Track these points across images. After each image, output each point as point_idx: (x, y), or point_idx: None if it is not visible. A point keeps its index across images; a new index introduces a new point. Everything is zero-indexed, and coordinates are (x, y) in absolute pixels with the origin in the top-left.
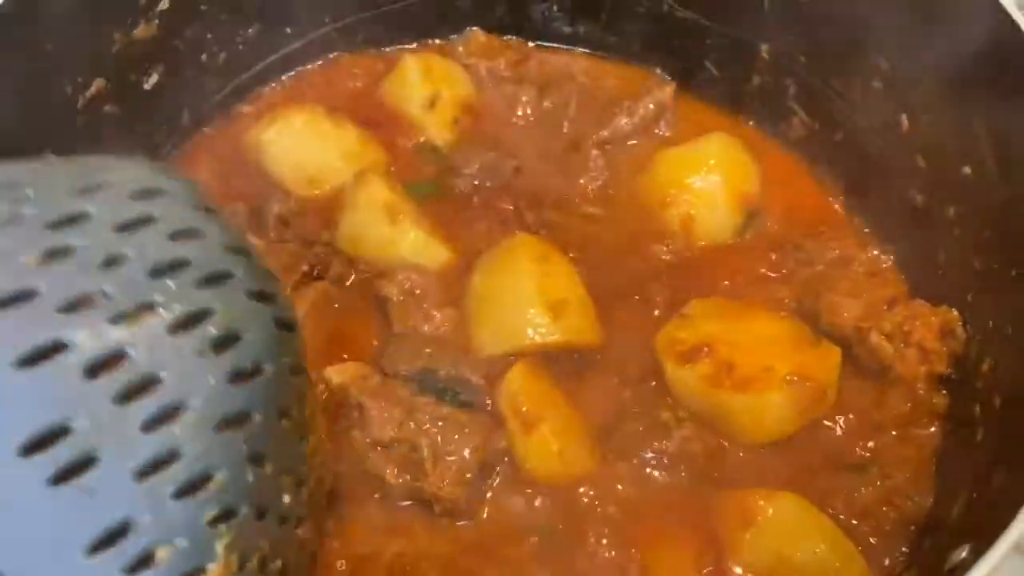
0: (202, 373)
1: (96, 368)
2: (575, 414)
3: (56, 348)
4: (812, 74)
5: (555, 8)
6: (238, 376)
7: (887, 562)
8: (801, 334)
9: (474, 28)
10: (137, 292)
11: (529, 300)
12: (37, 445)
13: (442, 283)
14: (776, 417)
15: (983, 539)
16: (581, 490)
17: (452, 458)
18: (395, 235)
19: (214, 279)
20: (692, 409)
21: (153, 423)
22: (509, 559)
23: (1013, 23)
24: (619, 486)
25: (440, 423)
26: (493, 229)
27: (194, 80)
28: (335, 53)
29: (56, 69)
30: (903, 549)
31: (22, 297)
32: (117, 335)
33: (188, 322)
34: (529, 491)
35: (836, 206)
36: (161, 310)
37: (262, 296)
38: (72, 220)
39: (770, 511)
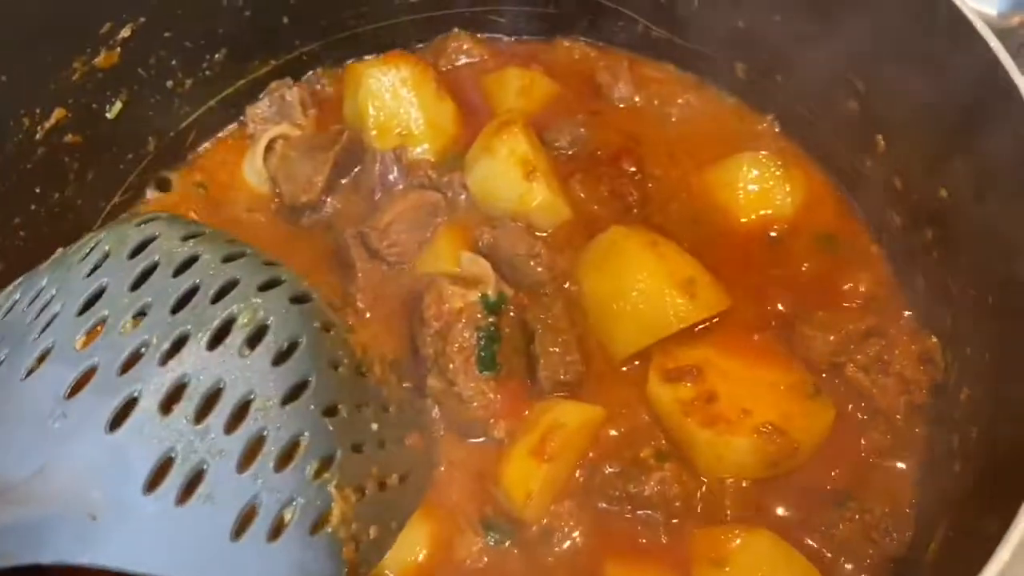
0: (250, 367)
1: (167, 403)
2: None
3: (130, 403)
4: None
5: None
6: (280, 357)
7: None
8: (802, 384)
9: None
10: (169, 330)
11: (660, 287)
12: (154, 481)
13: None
14: (736, 462)
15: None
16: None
17: None
18: (527, 189)
19: (224, 291)
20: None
21: (232, 422)
22: None
23: (989, 49)
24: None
25: None
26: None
27: (160, 107)
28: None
29: (12, 100)
30: None
31: (87, 377)
32: (169, 372)
33: (219, 335)
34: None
35: None
36: (193, 336)
37: (270, 285)
38: (94, 298)
39: (743, 549)
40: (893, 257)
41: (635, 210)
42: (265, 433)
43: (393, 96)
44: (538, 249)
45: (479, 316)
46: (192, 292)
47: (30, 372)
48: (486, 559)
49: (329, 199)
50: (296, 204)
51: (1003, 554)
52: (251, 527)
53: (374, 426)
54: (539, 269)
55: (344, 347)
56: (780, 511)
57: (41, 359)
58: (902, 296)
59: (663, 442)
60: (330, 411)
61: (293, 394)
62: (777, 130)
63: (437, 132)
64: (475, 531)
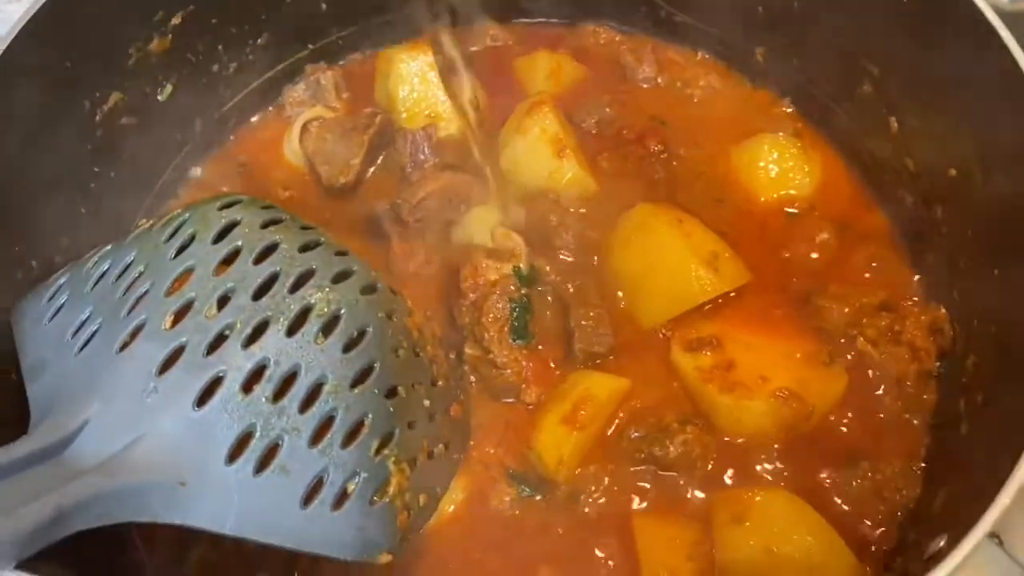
0: (323, 354)
1: (249, 384)
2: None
3: (215, 382)
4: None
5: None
6: (350, 344)
7: (875, 552)
8: (817, 353)
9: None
10: (251, 316)
11: (685, 262)
12: (235, 453)
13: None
14: (754, 424)
15: (959, 529)
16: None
17: None
18: (558, 166)
19: (301, 280)
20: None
21: (305, 403)
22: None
23: (996, 32)
24: (622, 481)
25: None
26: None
27: (206, 90)
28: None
29: (75, 84)
30: (891, 541)
31: (176, 355)
32: (252, 355)
33: (297, 322)
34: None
35: None
36: (274, 322)
37: (343, 276)
38: (181, 279)
39: (761, 506)
40: (904, 234)
41: (661, 188)
42: (335, 414)
43: (421, 80)
44: (569, 222)
45: (512, 288)
46: (272, 279)
47: (124, 347)
48: (517, 511)
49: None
50: (335, 185)
51: (1003, 499)
52: (318, 496)
53: (426, 402)
54: (570, 242)
55: (403, 332)
56: (796, 471)
57: (133, 335)
58: (913, 270)
59: (686, 408)
60: (391, 393)
61: (360, 378)
62: (793, 112)
63: (463, 114)
64: (507, 483)
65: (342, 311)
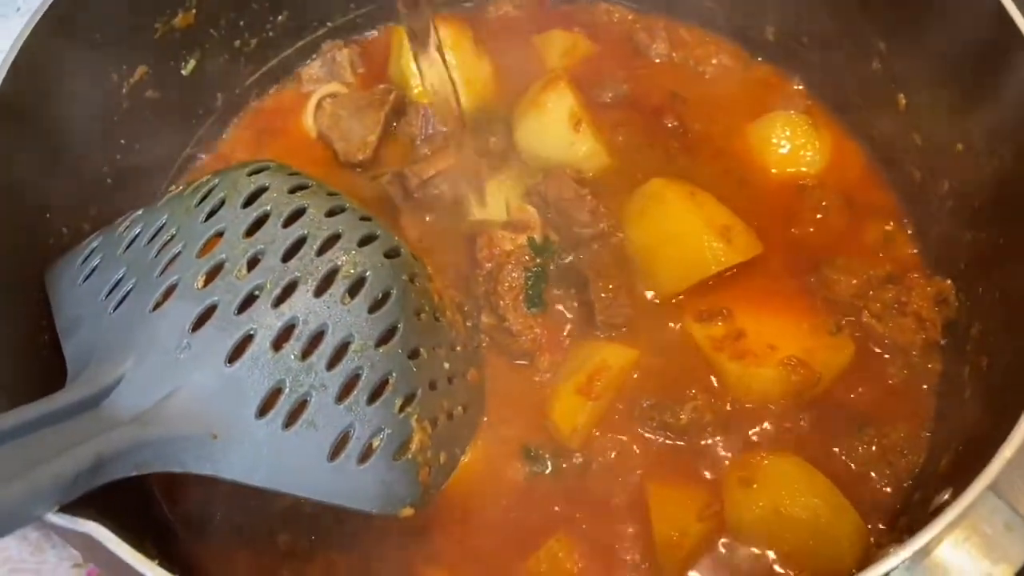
0: (350, 314)
1: (278, 341)
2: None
3: (246, 340)
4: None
5: None
6: (375, 305)
7: (880, 513)
8: (824, 323)
9: None
10: (280, 277)
11: (699, 233)
12: (265, 408)
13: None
14: (763, 391)
15: (962, 482)
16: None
17: None
18: (574, 140)
19: (328, 244)
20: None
21: (332, 361)
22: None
23: (1001, 7)
24: (635, 447)
25: None
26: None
27: (228, 65)
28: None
29: (104, 57)
30: (896, 502)
31: (208, 314)
32: (281, 314)
33: (324, 284)
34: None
35: None
36: (302, 283)
37: (368, 240)
38: (211, 243)
39: (769, 470)
40: (912, 208)
41: (676, 162)
42: (360, 372)
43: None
44: (585, 193)
45: (527, 258)
46: (300, 242)
47: (157, 306)
48: (531, 478)
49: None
50: (352, 161)
51: (1006, 452)
52: (344, 451)
53: (446, 364)
54: (586, 214)
55: (425, 295)
56: (804, 436)
57: (166, 295)
58: (919, 243)
59: (697, 376)
60: (414, 354)
61: (384, 338)
62: (803, 89)
63: (474, 89)
64: (521, 451)
65: (367, 273)
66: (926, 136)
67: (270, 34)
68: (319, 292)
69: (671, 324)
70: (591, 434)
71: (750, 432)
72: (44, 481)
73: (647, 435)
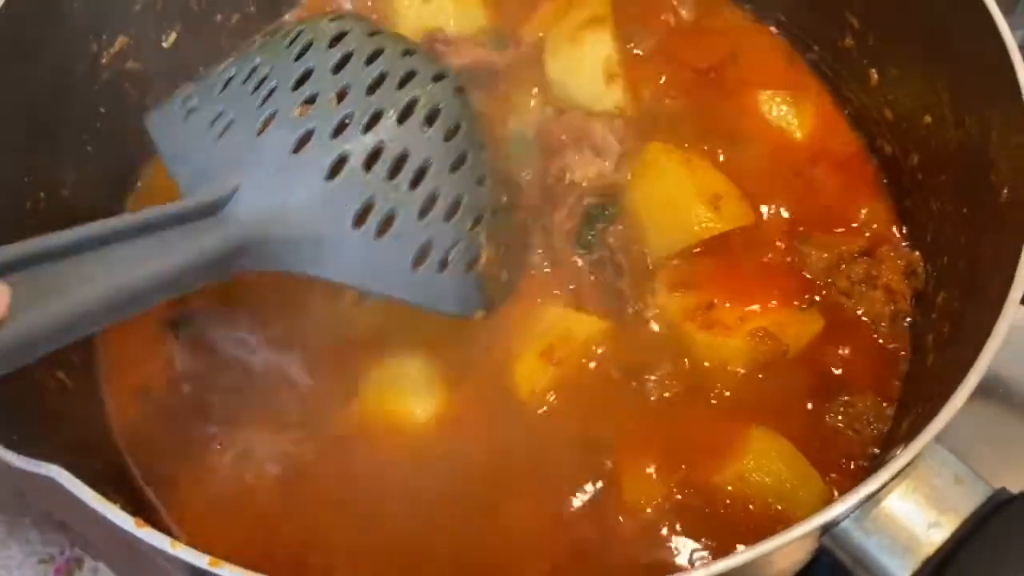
0: (428, 141)
1: (369, 162)
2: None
3: (342, 160)
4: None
5: None
6: (450, 134)
7: (847, 480)
8: (795, 296)
9: None
10: (367, 107)
11: (688, 200)
12: (359, 219)
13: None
14: (731, 361)
15: (912, 438)
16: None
17: None
18: (604, 93)
19: (405, 79)
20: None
21: (415, 181)
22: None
23: None
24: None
25: None
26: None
27: (209, 39)
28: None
29: (83, 25)
30: (860, 467)
31: (307, 138)
32: (370, 139)
33: (405, 113)
34: None
35: None
36: (386, 113)
37: (439, 77)
38: (304, 77)
39: (736, 439)
40: (889, 182)
41: (687, 125)
42: (438, 192)
43: None
44: (609, 146)
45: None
46: (381, 78)
47: (260, 132)
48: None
49: None
50: None
51: (956, 402)
52: (426, 260)
53: (504, 198)
54: (615, 144)
55: (484, 133)
56: (770, 406)
57: (266, 123)
58: (892, 217)
59: (666, 346)
60: (480, 180)
61: (455, 165)
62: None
63: (467, 19)
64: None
65: (441, 106)
66: (896, 110)
67: (251, 9)
68: (401, 120)
69: (646, 293)
70: (551, 398)
71: (717, 401)
72: (176, 264)
73: (615, 403)
